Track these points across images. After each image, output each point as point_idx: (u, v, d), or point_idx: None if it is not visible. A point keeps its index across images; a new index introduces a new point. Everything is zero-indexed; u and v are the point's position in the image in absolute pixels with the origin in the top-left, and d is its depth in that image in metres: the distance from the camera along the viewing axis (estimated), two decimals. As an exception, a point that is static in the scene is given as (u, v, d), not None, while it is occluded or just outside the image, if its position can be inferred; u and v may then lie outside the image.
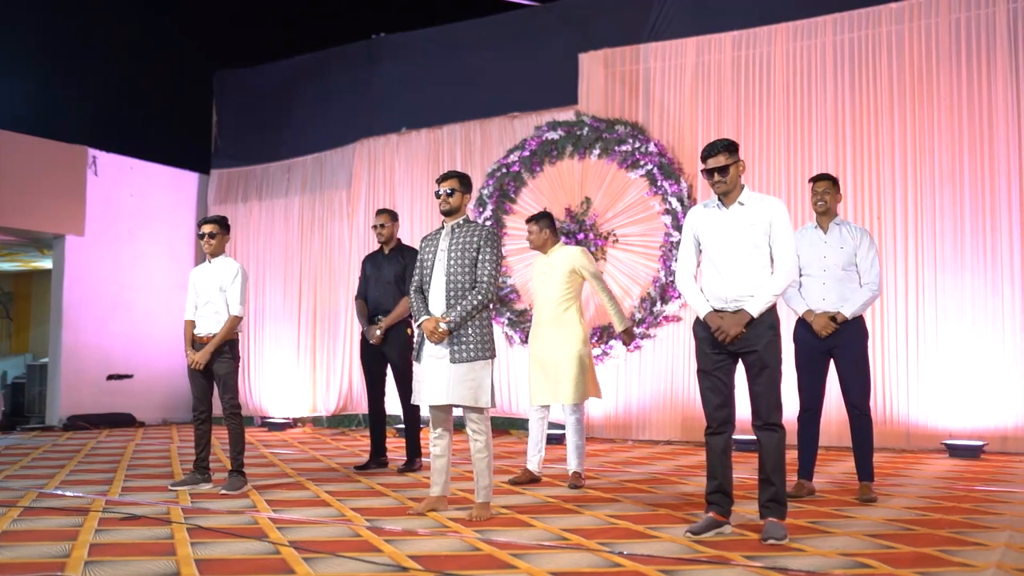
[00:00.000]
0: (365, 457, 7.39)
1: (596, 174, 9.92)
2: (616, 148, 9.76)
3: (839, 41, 8.92)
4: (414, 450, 6.87)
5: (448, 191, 4.92)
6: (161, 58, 12.53)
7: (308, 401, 11.78)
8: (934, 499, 5.37)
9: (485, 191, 10.41)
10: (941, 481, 6.17)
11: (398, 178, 11.36)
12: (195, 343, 5.93)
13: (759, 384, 4.26)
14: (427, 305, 4.89)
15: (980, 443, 7.68)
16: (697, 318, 4.45)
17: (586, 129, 9.94)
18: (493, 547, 3.94)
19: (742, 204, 4.36)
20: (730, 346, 4.28)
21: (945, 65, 8.41)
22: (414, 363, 4.94)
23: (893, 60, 8.64)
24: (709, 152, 4.35)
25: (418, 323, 4.88)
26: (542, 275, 6.12)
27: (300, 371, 11.86)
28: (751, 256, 4.29)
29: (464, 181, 4.98)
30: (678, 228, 9.32)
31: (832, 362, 5.49)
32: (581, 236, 9.83)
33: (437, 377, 4.76)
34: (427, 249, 5.00)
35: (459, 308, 4.75)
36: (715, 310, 4.34)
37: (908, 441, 8.15)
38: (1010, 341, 7.92)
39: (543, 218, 6.21)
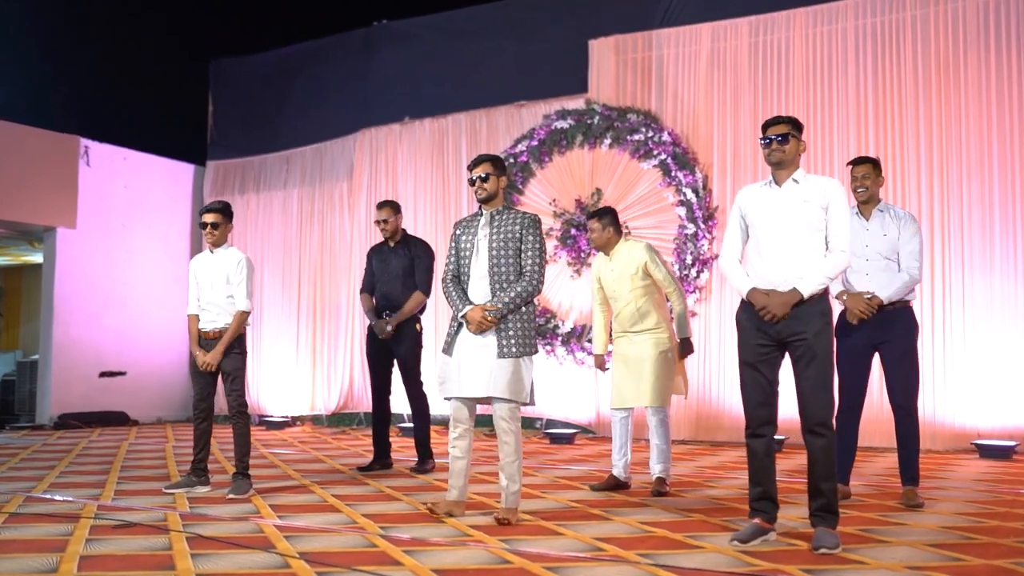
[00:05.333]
0: (369, 457, 7.04)
1: (607, 164, 9.58)
2: (628, 137, 9.42)
3: (861, 26, 8.59)
4: (426, 450, 6.53)
5: (483, 176, 4.63)
6: (156, 45, 12.15)
7: (307, 399, 11.43)
8: (983, 503, 5.05)
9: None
10: (982, 484, 5.86)
11: (401, 169, 11.01)
12: (201, 340, 5.54)
13: (808, 378, 3.92)
14: (466, 294, 4.61)
15: (1012, 443, 7.37)
16: (741, 304, 4.12)
17: (597, 118, 9.60)
18: (524, 559, 3.60)
19: (796, 182, 4.04)
20: (775, 332, 3.94)
21: (973, 51, 8.09)
22: (443, 356, 4.64)
23: (918, 46, 8.31)
24: (772, 122, 4.10)
25: (462, 313, 4.55)
26: (610, 276, 5.65)
27: (299, 368, 11.50)
28: (804, 237, 3.96)
29: (497, 164, 4.71)
30: (693, 220, 9.00)
31: (878, 357, 5.15)
32: (592, 228, 9.48)
33: (477, 369, 4.47)
34: (465, 236, 4.70)
35: (506, 298, 4.47)
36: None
37: (935, 441, 7.82)
38: (1041, 338, 7.62)
39: (606, 215, 5.70)
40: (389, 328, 6.46)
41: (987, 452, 7.37)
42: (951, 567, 3.47)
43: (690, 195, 9.06)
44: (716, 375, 8.91)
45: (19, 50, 11.73)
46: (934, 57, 8.24)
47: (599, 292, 5.77)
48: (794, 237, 3.98)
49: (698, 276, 8.97)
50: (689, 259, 8.96)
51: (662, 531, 4.21)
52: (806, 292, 3.90)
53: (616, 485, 5.61)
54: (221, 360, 5.44)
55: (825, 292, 4.01)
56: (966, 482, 5.95)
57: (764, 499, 4.02)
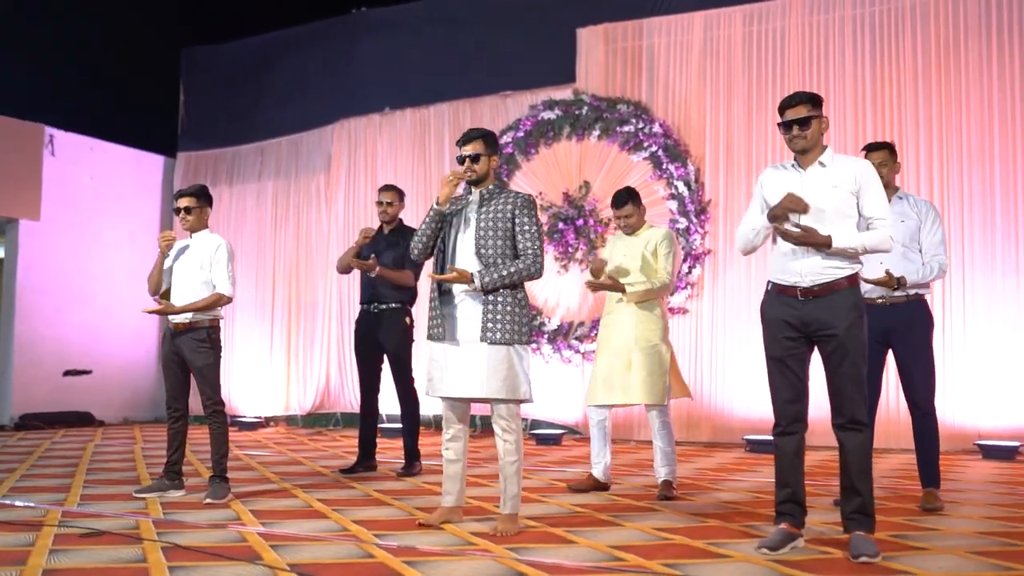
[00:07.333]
0: (350, 459, 6.70)
1: (596, 156, 9.28)
2: (617, 129, 9.13)
3: (859, 15, 8.36)
4: (413, 452, 6.18)
5: (472, 156, 4.20)
6: (126, 32, 11.65)
7: (282, 399, 11.02)
8: (1008, 507, 4.80)
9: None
10: (998, 486, 5.61)
11: (381, 161, 10.64)
12: (169, 331, 5.16)
13: (840, 375, 3.63)
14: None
15: (1016, 444, 7.17)
16: (765, 296, 3.81)
17: (585, 108, 9.30)
18: (540, 571, 3.27)
19: (823, 165, 3.74)
20: (802, 323, 3.65)
21: (974, 36, 7.89)
22: (430, 350, 4.23)
23: (917, 33, 8.10)
24: (789, 102, 3.75)
25: (443, 273, 4.12)
26: (623, 257, 5.31)
27: (273, 367, 11.09)
28: (834, 224, 3.66)
29: (490, 142, 4.25)
30: (684, 214, 8.71)
31: (891, 353, 4.87)
32: (580, 222, 9.19)
33: (467, 366, 4.05)
34: (449, 214, 4.29)
35: (504, 271, 4.05)
36: (787, 286, 3.70)
37: (936, 442, 7.59)
38: (1044, 336, 7.42)
39: (636, 195, 5.40)
40: (374, 268, 6.08)
41: (991, 453, 7.16)
42: (1006, 578, 3.20)
43: (682, 188, 8.78)
44: (708, 375, 8.63)
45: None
46: (934, 46, 8.03)
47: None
48: (822, 225, 3.68)
49: (690, 272, 8.69)
50: (681, 254, 8.66)
51: (681, 538, 3.89)
52: (837, 242, 3.61)
53: (596, 486, 5.31)
54: (188, 352, 5.03)
55: (856, 282, 3.72)
56: (980, 484, 5.71)
57: (791, 502, 3.72)
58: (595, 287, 5.26)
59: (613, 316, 5.31)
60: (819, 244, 3.61)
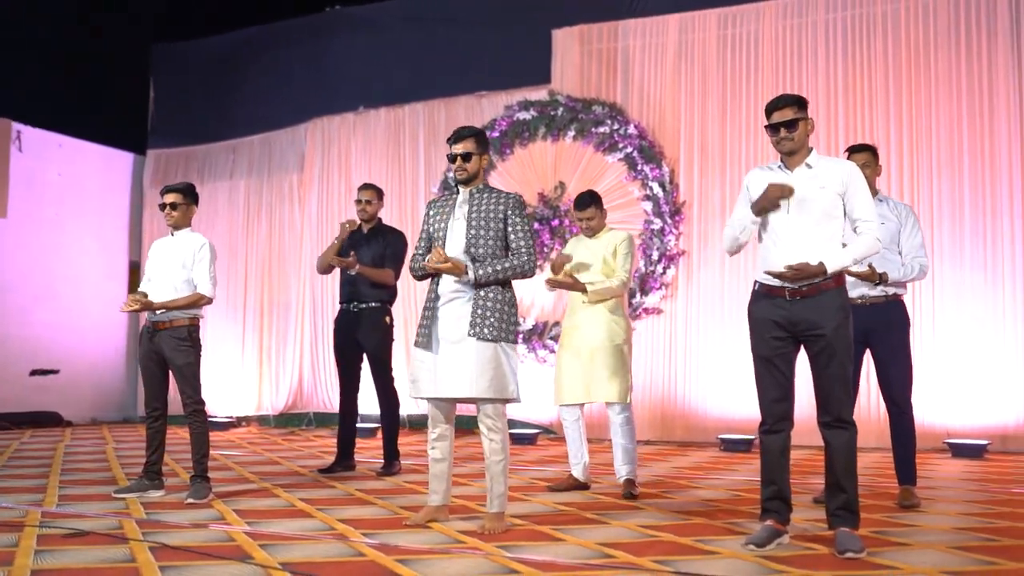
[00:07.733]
0: (326, 459, 6.69)
1: (571, 157, 9.32)
2: (593, 130, 9.18)
3: (831, 20, 8.48)
4: (393, 452, 6.17)
5: (464, 155, 4.18)
6: (95, 27, 11.51)
7: (253, 399, 10.94)
8: (983, 503, 4.90)
9: (450, 174, 9.71)
10: (971, 484, 5.72)
11: (355, 161, 10.61)
12: (148, 330, 5.11)
13: (827, 375, 3.69)
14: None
15: (984, 442, 7.30)
16: (752, 296, 3.85)
17: (560, 109, 9.34)
18: (532, 568, 3.28)
19: (809, 166, 3.79)
20: (790, 323, 3.70)
21: (944, 44, 8.03)
22: (415, 352, 4.22)
23: (888, 39, 8.23)
24: (776, 105, 3.79)
25: (434, 262, 4.07)
26: (584, 252, 5.34)
27: (245, 367, 11.01)
28: (820, 225, 3.72)
29: (481, 140, 4.24)
30: (659, 215, 8.78)
31: (868, 352, 4.96)
32: (555, 223, 9.22)
33: (456, 366, 4.04)
34: (438, 216, 4.27)
35: (498, 265, 4.04)
36: (775, 286, 3.75)
37: (906, 440, 7.71)
38: (1011, 336, 7.57)
39: (597, 199, 5.40)
40: (354, 265, 6.07)
41: (960, 451, 7.28)
42: (988, 571, 3.26)
43: (657, 189, 8.84)
44: (682, 374, 8.69)
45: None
46: (904, 51, 8.16)
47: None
48: (810, 226, 3.72)
49: (664, 272, 8.75)
50: (655, 255, 8.74)
51: (668, 535, 3.93)
52: (831, 266, 3.65)
53: (576, 486, 5.34)
54: (169, 350, 4.99)
55: (843, 282, 3.78)
56: (953, 481, 5.81)
57: (777, 499, 3.77)
58: (554, 284, 5.29)
59: (576, 318, 5.33)
60: (814, 275, 3.65)
